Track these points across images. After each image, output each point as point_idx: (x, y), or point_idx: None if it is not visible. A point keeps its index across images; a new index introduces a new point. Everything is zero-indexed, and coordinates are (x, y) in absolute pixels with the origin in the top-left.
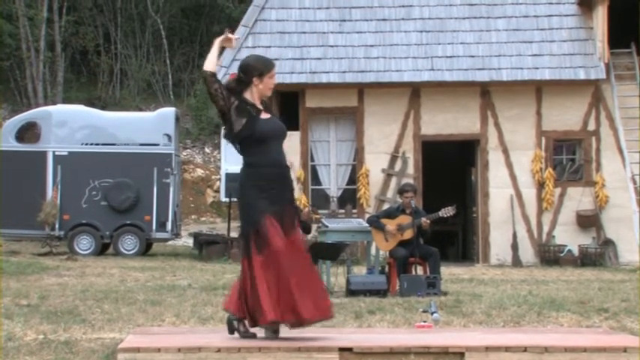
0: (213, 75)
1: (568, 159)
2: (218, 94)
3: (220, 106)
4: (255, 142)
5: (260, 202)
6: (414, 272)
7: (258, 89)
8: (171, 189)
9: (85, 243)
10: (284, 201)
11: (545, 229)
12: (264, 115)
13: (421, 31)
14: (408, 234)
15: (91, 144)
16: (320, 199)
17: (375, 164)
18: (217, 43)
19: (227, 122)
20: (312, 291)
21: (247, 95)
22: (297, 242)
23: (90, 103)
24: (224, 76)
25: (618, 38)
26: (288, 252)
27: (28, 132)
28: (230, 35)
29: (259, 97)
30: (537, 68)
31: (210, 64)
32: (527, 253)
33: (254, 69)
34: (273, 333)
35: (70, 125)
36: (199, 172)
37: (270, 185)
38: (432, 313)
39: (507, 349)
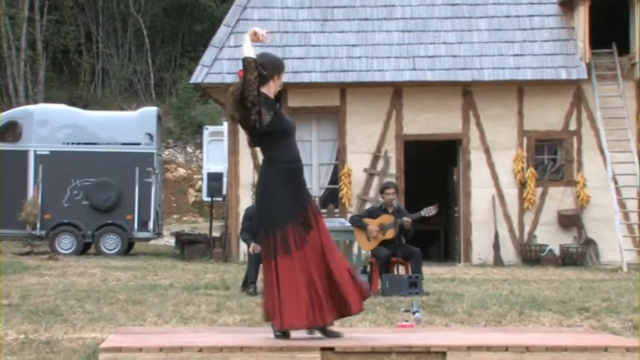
0: (255, 61)
1: (549, 159)
2: (255, 82)
3: (253, 97)
4: (281, 136)
5: (286, 201)
6: (396, 272)
7: (274, 86)
8: (153, 188)
9: (66, 242)
10: (305, 196)
11: (527, 228)
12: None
13: (403, 31)
14: (390, 233)
15: (73, 143)
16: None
17: (357, 164)
18: (247, 37)
19: (254, 115)
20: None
21: (265, 91)
22: (320, 237)
23: (71, 103)
24: (206, 75)
25: (599, 38)
26: (310, 253)
27: (9, 131)
28: (258, 30)
29: (273, 94)
30: (519, 68)
31: (248, 51)
32: (508, 252)
33: (276, 67)
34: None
35: (51, 124)
36: (181, 171)
37: (293, 180)
38: (414, 313)
39: (489, 348)
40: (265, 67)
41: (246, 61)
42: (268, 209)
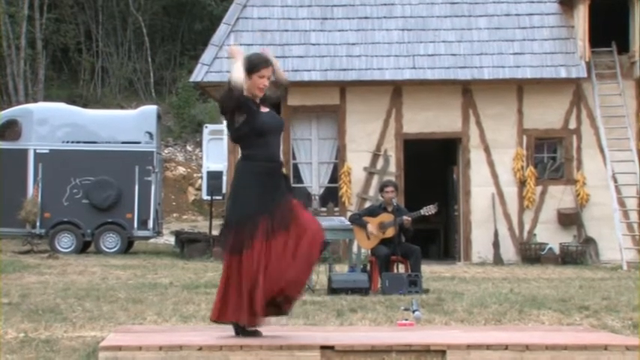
0: (238, 89)
1: (549, 157)
2: (232, 106)
3: (226, 111)
4: (255, 135)
5: (254, 199)
6: (395, 270)
7: (247, 85)
8: (153, 187)
9: (66, 241)
10: (277, 196)
11: (527, 227)
12: (264, 109)
13: (403, 30)
14: (389, 232)
15: (73, 142)
16: (302, 197)
17: (356, 162)
18: (233, 57)
19: (227, 118)
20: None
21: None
22: (289, 237)
23: (71, 101)
24: (206, 73)
25: (599, 37)
26: (269, 253)
27: (8, 130)
28: (231, 48)
29: (248, 93)
30: (519, 67)
31: (238, 72)
32: (508, 251)
33: (246, 63)
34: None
35: (51, 123)
36: (181, 170)
37: (265, 179)
38: (414, 311)
39: (489, 347)
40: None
41: (231, 83)
42: (232, 205)
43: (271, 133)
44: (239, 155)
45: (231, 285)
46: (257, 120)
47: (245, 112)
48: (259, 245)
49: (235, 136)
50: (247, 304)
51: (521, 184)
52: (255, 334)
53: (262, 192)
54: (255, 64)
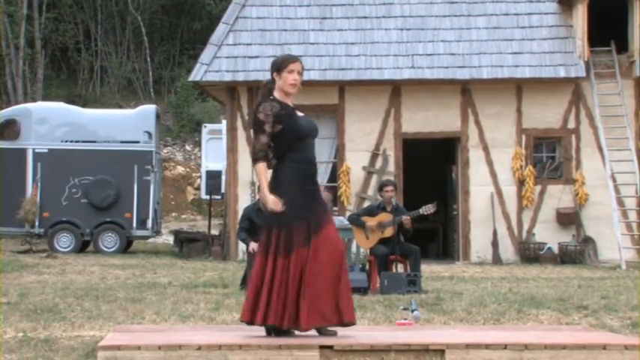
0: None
1: (548, 157)
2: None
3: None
4: (295, 139)
5: (296, 203)
6: (394, 270)
7: (279, 85)
8: (152, 186)
9: (65, 240)
10: (315, 199)
11: (526, 226)
12: (299, 113)
13: (402, 29)
14: (388, 232)
15: (71, 141)
16: None
17: (355, 162)
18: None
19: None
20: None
21: (276, 95)
22: (325, 241)
23: (70, 101)
24: (205, 73)
25: (598, 36)
26: (311, 259)
27: (7, 129)
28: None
29: (282, 93)
30: (517, 66)
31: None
32: (507, 250)
33: (273, 65)
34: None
35: (50, 122)
36: (180, 169)
37: (305, 182)
38: (413, 311)
39: (487, 346)
40: (270, 69)
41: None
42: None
43: (310, 137)
44: (271, 157)
45: (272, 288)
46: (296, 124)
47: (282, 121)
48: (301, 249)
49: (274, 141)
50: (286, 307)
51: (520, 183)
52: (289, 333)
53: (303, 195)
54: (282, 61)
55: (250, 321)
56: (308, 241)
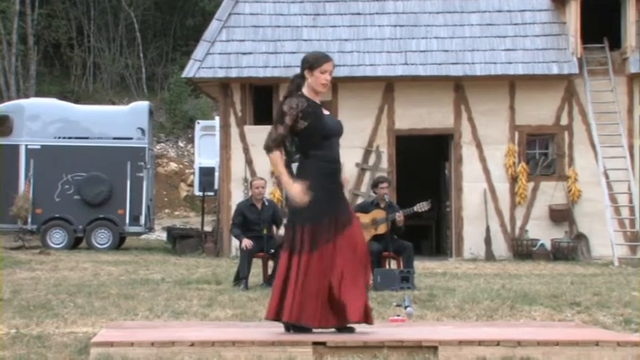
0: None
1: (541, 153)
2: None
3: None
4: (321, 137)
5: (322, 201)
6: (387, 266)
7: (308, 83)
8: (145, 183)
9: (57, 237)
10: (339, 197)
11: (518, 223)
12: (325, 111)
13: (395, 26)
14: (382, 228)
15: (64, 138)
16: None
17: (348, 158)
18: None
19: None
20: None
21: (305, 91)
22: (348, 239)
23: (63, 97)
24: (198, 69)
25: (591, 33)
26: (337, 255)
27: (0, 125)
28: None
29: (311, 91)
30: (510, 63)
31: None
32: (500, 247)
33: (305, 62)
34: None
35: (42, 119)
36: (173, 166)
37: (329, 180)
38: (406, 307)
39: (480, 343)
40: (301, 65)
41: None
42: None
43: (335, 136)
44: (295, 155)
45: (298, 285)
46: (323, 122)
47: (309, 118)
48: (327, 246)
49: (299, 138)
50: (315, 304)
51: (513, 180)
52: (306, 330)
53: (327, 193)
54: (316, 59)
55: (276, 319)
56: (333, 239)
